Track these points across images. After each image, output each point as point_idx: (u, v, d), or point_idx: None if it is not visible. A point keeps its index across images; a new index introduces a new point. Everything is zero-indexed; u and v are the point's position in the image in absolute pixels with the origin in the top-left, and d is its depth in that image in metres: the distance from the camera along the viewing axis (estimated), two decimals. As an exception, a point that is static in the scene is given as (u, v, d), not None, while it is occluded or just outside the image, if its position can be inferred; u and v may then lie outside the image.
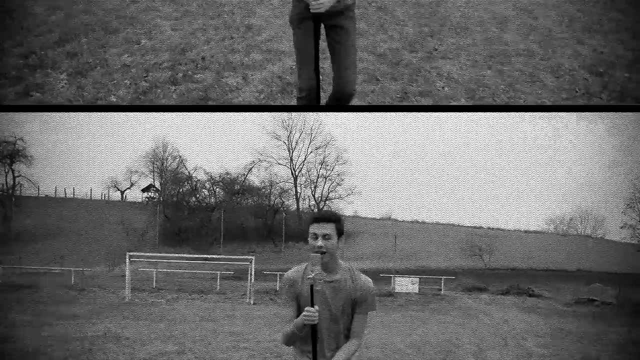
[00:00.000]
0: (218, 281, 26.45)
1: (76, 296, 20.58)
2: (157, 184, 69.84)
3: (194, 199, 62.61)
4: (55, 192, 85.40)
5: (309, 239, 2.84)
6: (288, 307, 2.92)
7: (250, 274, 21.54)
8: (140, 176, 75.28)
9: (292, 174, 64.78)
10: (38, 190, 74.84)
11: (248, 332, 11.61)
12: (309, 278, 2.69)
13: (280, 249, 55.04)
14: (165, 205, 63.28)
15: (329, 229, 2.76)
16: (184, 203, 62.00)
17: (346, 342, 2.86)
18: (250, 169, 61.63)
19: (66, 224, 64.89)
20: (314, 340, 2.78)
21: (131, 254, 22.13)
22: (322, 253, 2.74)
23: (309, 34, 3.14)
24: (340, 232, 2.82)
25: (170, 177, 65.50)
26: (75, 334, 10.52)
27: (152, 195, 70.99)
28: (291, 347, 2.98)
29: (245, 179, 61.85)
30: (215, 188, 62.26)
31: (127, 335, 10.58)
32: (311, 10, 2.91)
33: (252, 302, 20.29)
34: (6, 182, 63.89)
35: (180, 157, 65.61)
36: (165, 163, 67.61)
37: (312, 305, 2.70)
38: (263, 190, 61.51)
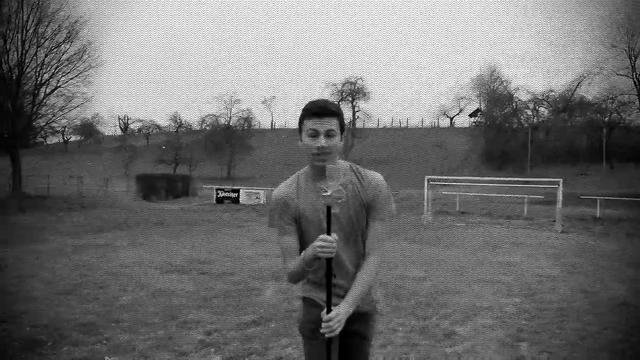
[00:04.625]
0: (525, 206, 24.42)
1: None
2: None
3: (515, 120, 59.22)
4: (392, 123, 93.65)
5: (303, 137, 2.21)
6: (287, 234, 2.28)
7: (559, 199, 19.06)
8: (467, 102, 76.09)
9: (634, 84, 54.05)
10: (378, 122, 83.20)
11: (523, 262, 10.13)
12: (325, 196, 2.03)
13: (613, 170, 47.44)
14: (488, 128, 61.87)
15: (332, 124, 2.17)
16: (506, 124, 59.42)
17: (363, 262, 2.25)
18: (579, 83, 54.34)
19: (395, 150, 70.22)
20: (328, 279, 2.10)
21: (430, 177, 22.10)
22: (325, 156, 2.15)
23: (322, 348, 2.20)
24: (342, 128, 2.24)
25: (492, 99, 63.42)
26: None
27: (478, 120, 70.78)
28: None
29: (572, 94, 54.89)
30: (538, 107, 57.36)
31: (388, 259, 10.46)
32: (321, 331, 2.09)
33: (559, 229, 18.03)
34: (352, 116, 72.45)
35: (500, 78, 62.71)
36: (491, 86, 65.97)
37: (329, 233, 2.05)
38: (596, 105, 53.57)
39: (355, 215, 2.23)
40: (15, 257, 9.47)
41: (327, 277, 2.10)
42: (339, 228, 2.18)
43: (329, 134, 2.15)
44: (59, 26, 32.35)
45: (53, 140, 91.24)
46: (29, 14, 31.01)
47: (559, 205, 18.89)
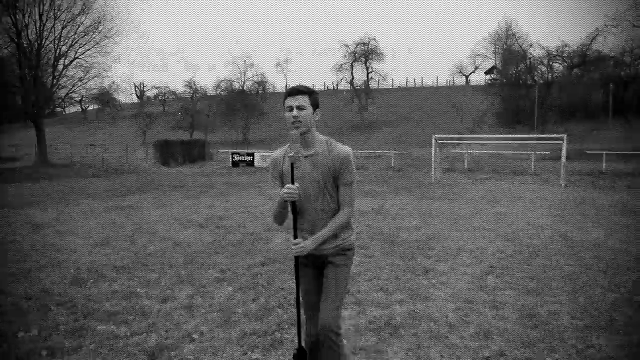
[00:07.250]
0: (532, 162, 24.98)
1: (392, 176, 22.63)
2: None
3: (529, 77, 58.73)
4: (406, 83, 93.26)
5: (285, 114, 2.83)
6: (274, 187, 3.00)
7: (563, 154, 19.61)
8: (483, 59, 75.53)
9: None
10: (392, 82, 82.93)
11: (517, 213, 10.88)
12: (289, 156, 2.75)
13: (631, 125, 47.11)
14: (503, 85, 61.50)
15: (302, 100, 2.78)
16: (520, 82, 58.99)
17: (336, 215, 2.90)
18: (595, 37, 53.45)
19: (410, 110, 70.21)
20: (294, 217, 2.86)
21: (437, 136, 22.67)
22: (298, 123, 2.76)
23: (308, 279, 3.08)
24: (315, 105, 2.84)
25: (507, 56, 62.83)
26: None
27: (494, 77, 70.17)
28: (283, 224, 3.10)
29: (587, 49, 54.14)
30: (552, 63, 56.74)
31: (391, 210, 11.30)
32: (293, 254, 2.85)
33: (563, 184, 18.69)
34: (366, 77, 72.26)
35: (514, 34, 62.09)
36: (507, 43, 65.37)
37: (292, 183, 2.75)
38: (613, 58, 52.93)
39: (323, 176, 2.81)
40: (51, 218, 10.51)
41: (293, 214, 2.84)
42: (311, 187, 2.82)
43: (299, 108, 2.75)
44: (73, -2, 33.04)
45: (71, 109, 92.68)
46: (44, -14, 31.69)
47: (563, 160, 19.46)
